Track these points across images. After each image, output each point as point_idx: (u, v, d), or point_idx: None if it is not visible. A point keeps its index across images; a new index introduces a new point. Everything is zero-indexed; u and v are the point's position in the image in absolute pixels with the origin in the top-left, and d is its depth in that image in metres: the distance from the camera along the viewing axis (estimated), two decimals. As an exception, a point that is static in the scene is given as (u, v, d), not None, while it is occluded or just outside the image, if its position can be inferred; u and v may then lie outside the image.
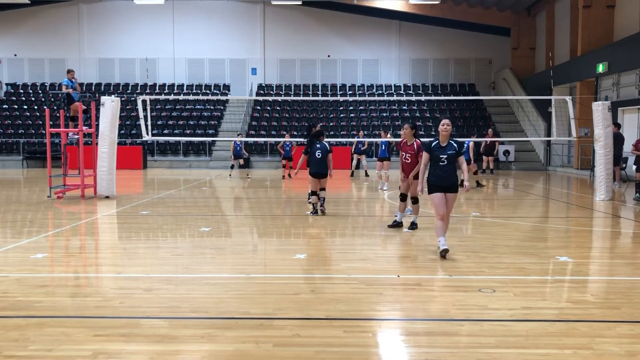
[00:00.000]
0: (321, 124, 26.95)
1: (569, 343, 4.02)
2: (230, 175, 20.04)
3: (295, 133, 26.70)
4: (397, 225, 9.05)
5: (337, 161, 24.37)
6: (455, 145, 6.88)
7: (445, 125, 6.83)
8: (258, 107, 30.80)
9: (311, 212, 10.60)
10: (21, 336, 4.10)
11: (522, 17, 30.66)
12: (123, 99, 26.51)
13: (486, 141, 20.95)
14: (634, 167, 13.38)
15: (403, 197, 9.18)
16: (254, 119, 29.84)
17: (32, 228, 9.13)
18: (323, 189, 10.60)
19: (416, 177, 8.83)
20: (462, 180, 7.06)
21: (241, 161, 20.11)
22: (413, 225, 8.90)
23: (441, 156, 6.83)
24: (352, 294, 5.22)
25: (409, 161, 8.93)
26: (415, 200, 8.96)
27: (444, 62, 32.88)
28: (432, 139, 7.02)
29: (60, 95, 16.41)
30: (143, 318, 4.55)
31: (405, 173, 9.05)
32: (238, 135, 21.16)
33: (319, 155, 10.45)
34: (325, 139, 10.94)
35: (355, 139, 21.35)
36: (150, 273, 6.05)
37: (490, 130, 22.01)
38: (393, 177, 17.30)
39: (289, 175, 20.33)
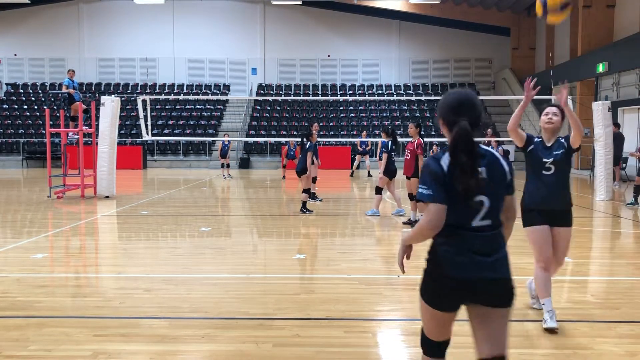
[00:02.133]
0: (321, 124, 26.98)
1: (569, 343, 4.02)
2: (226, 175, 20.04)
3: (295, 133, 26.71)
4: (410, 223, 9.07)
5: (337, 161, 24.43)
6: (566, 143, 4.43)
7: (550, 116, 4.48)
8: (258, 107, 30.80)
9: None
10: (21, 336, 4.10)
11: (522, 17, 30.65)
12: (123, 99, 26.49)
13: (485, 142, 20.95)
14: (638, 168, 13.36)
15: (411, 196, 9.23)
16: (254, 119, 29.84)
17: (32, 228, 9.13)
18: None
19: (417, 175, 8.89)
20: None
21: (227, 161, 20.10)
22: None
23: (545, 160, 4.35)
24: (352, 294, 5.22)
25: (408, 157, 9.03)
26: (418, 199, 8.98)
27: (444, 62, 32.88)
28: (536, 135, 4.64)
29: (60, 95, 16.40)
30: (143, 318, 4.55)
31: (404, 170, 9.11)
32: (224, 135, 21.14)
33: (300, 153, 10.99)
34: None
35: (358, 140, 21.38)
36: (150, 273, 6.05)
37: (489, 130, 22.01)
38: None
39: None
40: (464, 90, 2.55)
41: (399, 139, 11.21)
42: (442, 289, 2.48)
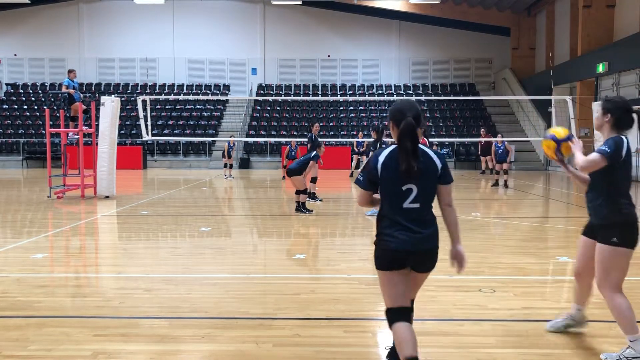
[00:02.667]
0: (321, 124, 26.98)
1: (569, 343, 4.02)
2: (227, 174, 20.06)
3: (295, 133, 26.72)
4: None
5: (337, 161, 24.42)
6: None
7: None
8: (258, 107, 30.80)
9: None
10: (21, 336, 4.10)
11: (522, 17, 30.65)
12: (123, 99, 26.50)
13: (480, 142, 20.96)
14: None
15: None
16: (254, 119, 29.84)
17: (32, 228, 9.13)
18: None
19: None
20: None
21: (230, 161, 20.21)
22: None
23: None
24: (352, 294, 5.22)
25: None
26: None
27: (444, 62, 32.88)
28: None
29: (60, 95, 16.40)
30: (143, 318, 4.55)
31: None
32: (231, 136, 21.24)
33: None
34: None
35: (355, 140, 21.41)
36: (150, 273, 6.05)
37: (482, 130, 22.03)
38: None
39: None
40: (406, 99, 3.38)
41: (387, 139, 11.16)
42: (385, 257, 3.13)
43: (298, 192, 10.71)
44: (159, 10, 31.86)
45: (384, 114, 29.99)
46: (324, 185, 15.86)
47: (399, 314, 3.09)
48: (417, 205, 3.10)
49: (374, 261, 3.19)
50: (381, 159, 3.13)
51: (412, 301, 3.27)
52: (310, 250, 7.56)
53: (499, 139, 16.59)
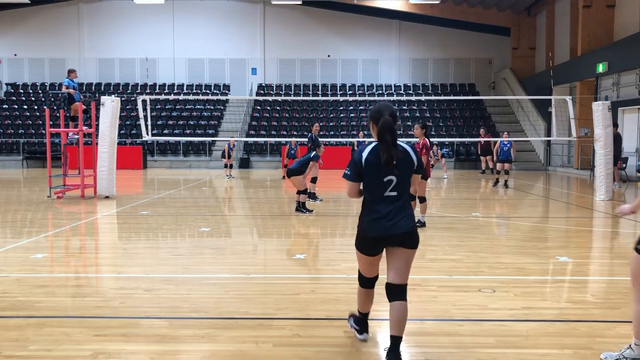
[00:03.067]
0: (321, 124, 26.98)
1: (569, 343, 4.02)
2: (228, 174, 20.07)
3: (295, 133, 26.72)
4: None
5: (337, 161, 24.40)
6: None
7: None
8: (258, 107, 30.80)
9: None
10: (21, 336, 4.10)
11: (522, 17, 30.65)
12: (123, 99, 26.52)
13: (480, 141, 20.95)
14: None
15: (410, 197, 9.22)
16: (254, 119, 29.84)
17: (32, 228, 9.13)
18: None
19: (425, 176, 8.90)
20: None
21: (230, 161, 20.25)
22: (421, 224, 8.96)
23: None
24: (352, 294, 5.20)
25: None
26: (422, 200, 9.03)
27: (444, 62, 32.87)
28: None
29: (60, 95, 16.40)
30: (143, 318, 4.55)
31: None
32: (232, 136, 21.29)
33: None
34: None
35: (355, 140, 21.41)
36: (150, 273, 6.05)
37: (482, 130, 22.03)
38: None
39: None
40: (382, 102, 3.81)
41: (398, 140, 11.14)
42: (366, 242, 3.66)
43: (299, 192, 10.72)
44: (159, 10, 31.86)
45: (384, 114, 29.96)
46: (324, 185, 15.86)
47: (368, 282, 3.88)
48: (395, 193, 3.59)
49: (354, 242, 3.76)
50: (364, 154, 3.59)
51: (401, 287, 3.61)
52: (310, 250, 7.56)
53: (504, 137, 16.50)
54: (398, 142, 3.55)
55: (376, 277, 3.87)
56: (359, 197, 3.74)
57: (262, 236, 8.69)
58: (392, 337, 3.54)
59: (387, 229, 3.51)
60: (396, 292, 3.59)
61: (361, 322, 4.06)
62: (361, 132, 22.93)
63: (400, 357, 3.51)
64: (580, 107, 20.17)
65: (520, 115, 29.67)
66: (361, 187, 3.65)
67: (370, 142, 3.63)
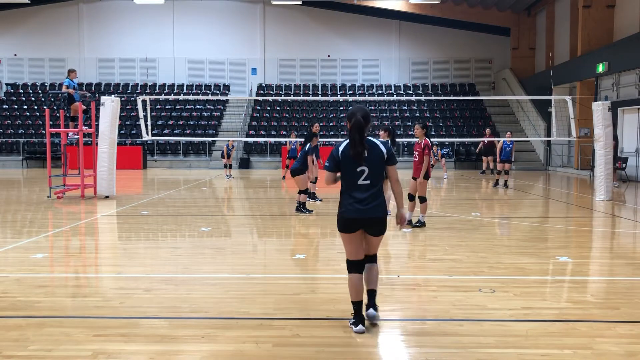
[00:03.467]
0: (321, 124, 26.97)
1: (569, 343, 4.02)
2: (228, 174, 20.07)
3: (295, 133, 26.69)
4: (416, 224, 9.08)
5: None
6: None
7: None
8: (258, 107, 30.81)
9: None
10: (21, 336, 4.10)
11: (522, 17, 30.66)
12: (123, 99, 26.51)
13: (484, 141, 20.95)
14: None
15: (410, 197, 9.22)
16: (254, 119, 29.84)
17: (32, 228, 9.13)
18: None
19: (426, 176, 8.90)
20: None
21: (230, 161, 20.24)
22: (420, 224, 8.95)
23: None
24: (352, 294, 5.21)
25: (417, 159, 9.01)
26: (422, 199, 9.03)
27: (443, 62, 32.88)
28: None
29: (60, 95, 16.39)
30: (143, 318, 4.55)
31: (414, 172, 9.10)
32: (232, 137, 21.28)
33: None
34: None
35: None
36: (150, 273, 6.05)
37: (487, 130, 22.02)
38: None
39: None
40: (358, 104, 4.39)
41: (397, 139, 11.18)
42: (344, 223, 4.29)
43: (300, 192, 10.74)
44: (159, 10, 31.86)
45: (384, 114, 30.02)
46: (324, 185, 15.84)
47: (355, 266, 4.31)
48: (367, 182, 4.16)
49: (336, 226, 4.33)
50: (340, 148, 4.22)
51: (372, 256, 4.40)
52: (310, 250, 7.56)
53: (507, 137, 16.47)
54: (369, 138, 4.16)
55: (362, 262, 4.30)
56: (334, 184, 4.38)
57: (262, 236, 8.69)
58: (368, 291, 4.35)
59: (361, 212, 4.13)
60: (369, 260, 4.39)
61: (356, 313, 4.24)
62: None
63: (376, 306, 4.33)
64: (580, 107, 20.17)
65: (520, 115, 29.68)
66: (338, 175, 4.21)
67: (347, 139, 4.24)
